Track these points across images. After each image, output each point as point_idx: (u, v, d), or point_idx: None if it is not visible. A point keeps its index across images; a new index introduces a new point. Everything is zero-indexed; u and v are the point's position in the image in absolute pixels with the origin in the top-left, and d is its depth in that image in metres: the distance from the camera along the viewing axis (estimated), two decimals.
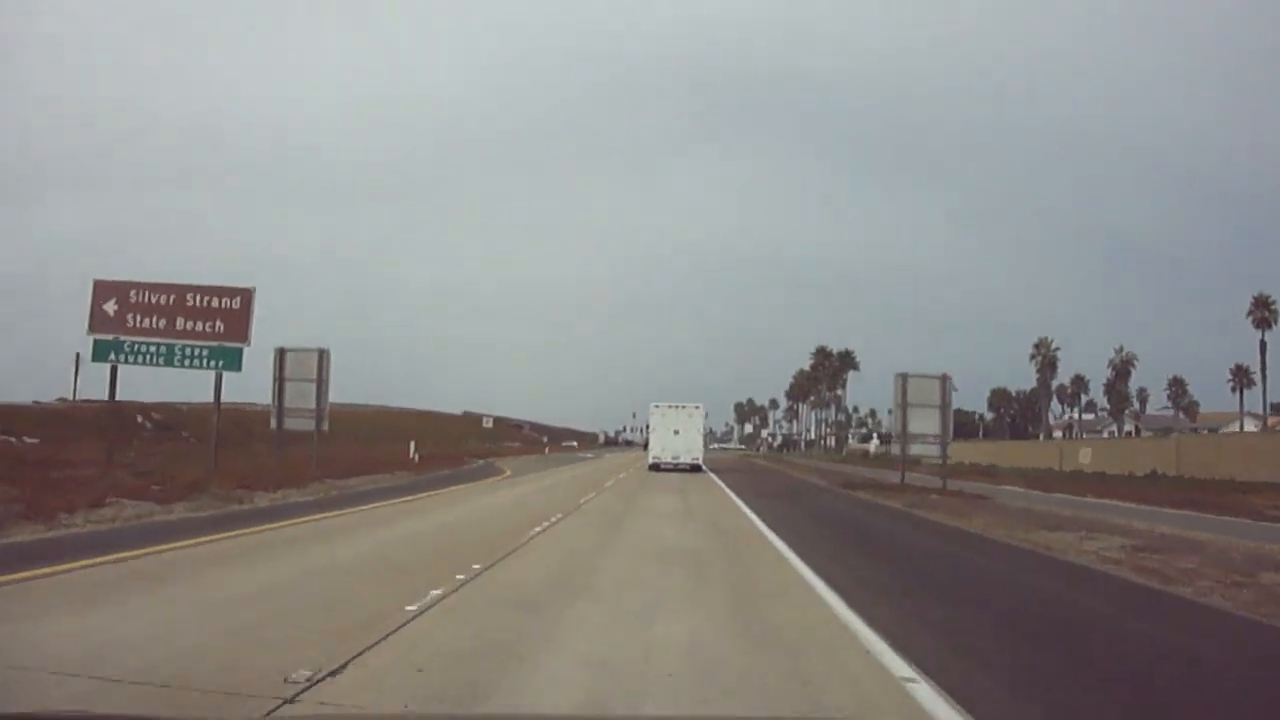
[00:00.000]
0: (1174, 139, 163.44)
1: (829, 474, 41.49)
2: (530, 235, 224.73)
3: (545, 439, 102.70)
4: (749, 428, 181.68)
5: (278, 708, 4.38)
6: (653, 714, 4.65)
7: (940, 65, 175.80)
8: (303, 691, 4.66)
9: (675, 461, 40.40)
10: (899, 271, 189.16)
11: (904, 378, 26.35)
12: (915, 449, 26.45)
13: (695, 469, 40.09)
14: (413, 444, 39.04)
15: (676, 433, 40.99)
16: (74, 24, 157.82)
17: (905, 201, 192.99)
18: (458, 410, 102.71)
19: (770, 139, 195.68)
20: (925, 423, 25.97)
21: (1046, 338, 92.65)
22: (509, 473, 35.06)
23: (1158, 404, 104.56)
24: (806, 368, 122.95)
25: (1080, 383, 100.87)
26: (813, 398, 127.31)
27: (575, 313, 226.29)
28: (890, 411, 32.20)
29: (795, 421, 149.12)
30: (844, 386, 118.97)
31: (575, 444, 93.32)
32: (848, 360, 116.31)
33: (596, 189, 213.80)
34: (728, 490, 26.24)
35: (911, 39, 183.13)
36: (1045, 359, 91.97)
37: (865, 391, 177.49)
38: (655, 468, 39.89)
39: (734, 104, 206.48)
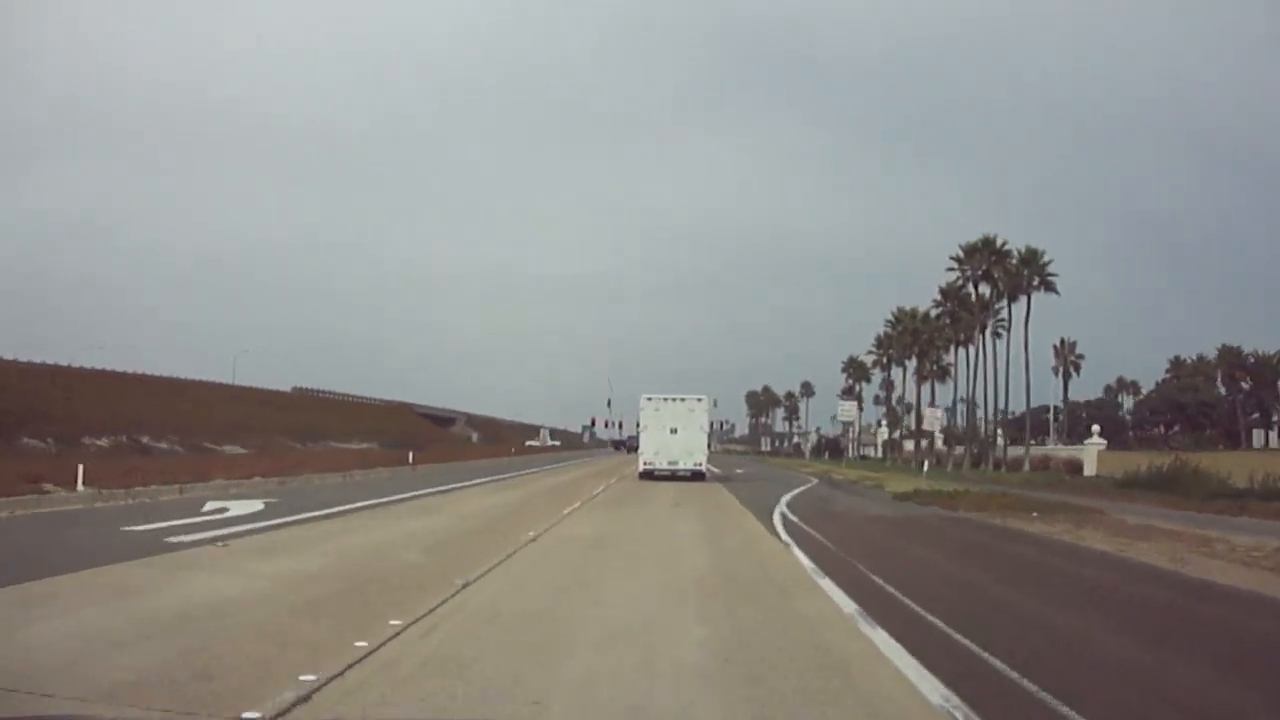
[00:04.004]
0: None
1: None
2: (509, 216, 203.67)
3: (475, 436, 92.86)
4: (788, 425, 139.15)
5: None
6: None
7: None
8: None
9: (673, 468, 34.03)
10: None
11: None
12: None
13: (697, 476, 34.10)
14: None
15: (674, 431, 34.56)
16: None
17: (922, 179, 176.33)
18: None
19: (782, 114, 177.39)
20: None
21: None
22: None
23: None
24: (932, 301, 69.06)
25: None
26: (911, 362, 75.33)
27: (556, 298, 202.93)
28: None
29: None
30: (1003, 333, 60.83)
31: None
32: (1031, 268, 58.13)
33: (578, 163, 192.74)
34: None
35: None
36: None
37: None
38: (648, 475, 33.67)
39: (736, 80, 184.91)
